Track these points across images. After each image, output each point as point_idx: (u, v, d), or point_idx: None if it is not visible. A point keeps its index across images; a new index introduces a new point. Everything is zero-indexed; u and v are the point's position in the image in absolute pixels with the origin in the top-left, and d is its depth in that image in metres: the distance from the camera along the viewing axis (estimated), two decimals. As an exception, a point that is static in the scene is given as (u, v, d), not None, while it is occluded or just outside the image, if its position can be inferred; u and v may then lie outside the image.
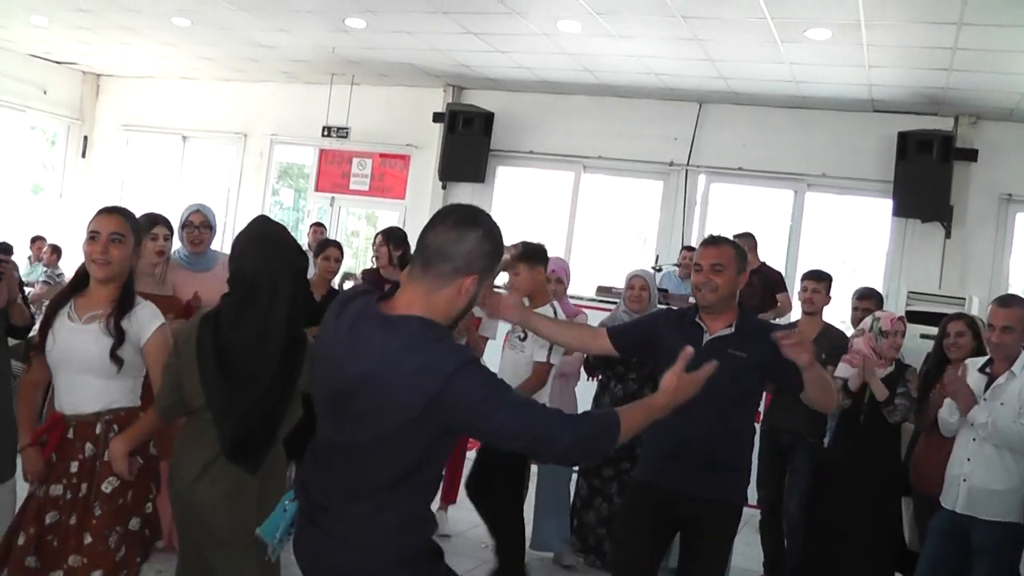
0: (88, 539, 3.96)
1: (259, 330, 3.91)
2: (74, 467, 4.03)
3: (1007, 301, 5.75)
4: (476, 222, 3.01)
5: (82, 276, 4.24)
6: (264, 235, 4.03)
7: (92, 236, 4.16)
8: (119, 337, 4.07)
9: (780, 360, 4.34)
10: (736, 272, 4.65)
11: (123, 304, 4.16)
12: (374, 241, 7.95)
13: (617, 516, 4.97)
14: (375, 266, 8.02)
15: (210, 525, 3.86)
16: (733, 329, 4.63)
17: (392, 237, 7.94)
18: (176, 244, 6.43)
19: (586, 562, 7.37)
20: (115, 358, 4.06)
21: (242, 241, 4.02)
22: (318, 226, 12.20)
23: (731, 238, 4.87)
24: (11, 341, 5.79)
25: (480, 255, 2.98)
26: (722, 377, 3.85)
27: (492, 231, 3.04)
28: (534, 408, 2.96)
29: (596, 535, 7.27)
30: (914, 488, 6.61)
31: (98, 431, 4.07)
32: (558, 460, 3.10)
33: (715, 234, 4.86)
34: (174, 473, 3.98)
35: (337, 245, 7.72)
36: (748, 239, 9.23)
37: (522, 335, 6.39)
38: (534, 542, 7.27)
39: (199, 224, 6.44)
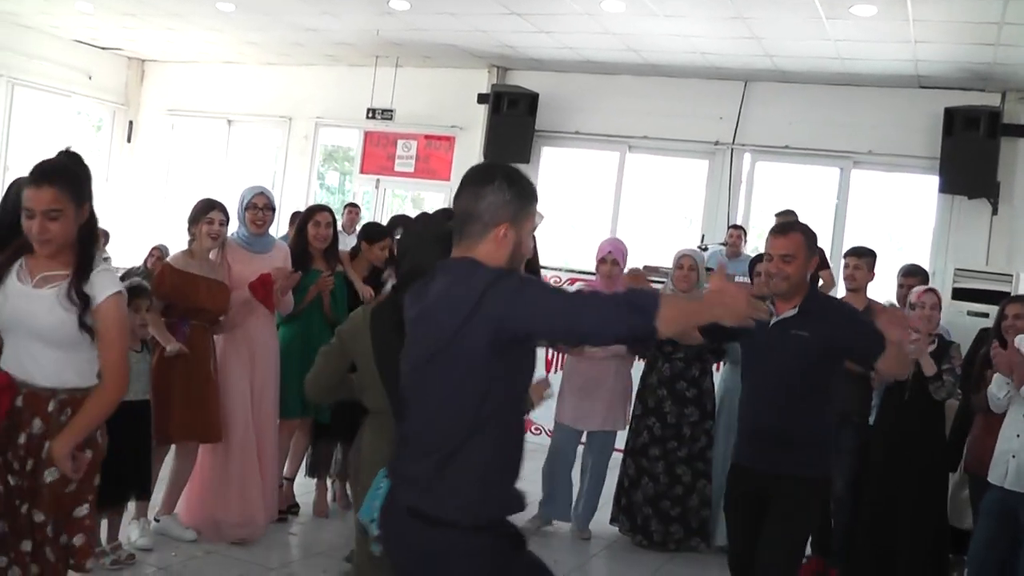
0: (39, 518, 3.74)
1: None
2: (22, 439, 3.71)
3: None
4: (490, 176, 3.14)
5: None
6: (441, 234, 3.90)
7: (28, 214, 3.70)
8: (84, 304, 3.70)
9: (853, 334, 4.54)
10: (806, 258, 4.75)
11: (82, 269, 3.76)
12: (393, 234, 7.85)
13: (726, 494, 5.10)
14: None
15: None
16: (797, 310, 4.71)
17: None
18: (232, 226, 6.56)
19: (633, 542, 7.43)
20: (84, 327, 3.70)
21: (417, 239, 4.18)
22: (352, 207, 12.16)
23: (797, 222, 4.91)
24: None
25: (502, 204, 3.09)
26: (788, 358, 3.99)
27: (508, 178, 3.14)
28: (567, 292, 3.04)
29: (643, 514, 7.30)
30: (969, 471, 6.62)
31: (50, 409, 3.73)
32: (598, 328, 2.97)
33: (784, 220, 4.92)
34: (360, 475, 4.22)
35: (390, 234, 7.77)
36: (790, 215, 9.29)
37: None
38: (550, 511, 7.49)
39: (263, 206, 6.63)
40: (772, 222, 7.49)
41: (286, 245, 7.14)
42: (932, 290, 6.66)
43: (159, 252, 10.99)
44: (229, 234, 6.55)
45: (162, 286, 6.15)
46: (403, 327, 3.35)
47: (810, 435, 4.73)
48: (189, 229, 6.42)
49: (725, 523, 5.25)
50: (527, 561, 3.22)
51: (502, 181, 3.12)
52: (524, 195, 3.17)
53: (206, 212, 6.28)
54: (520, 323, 2.96)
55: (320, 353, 4.37)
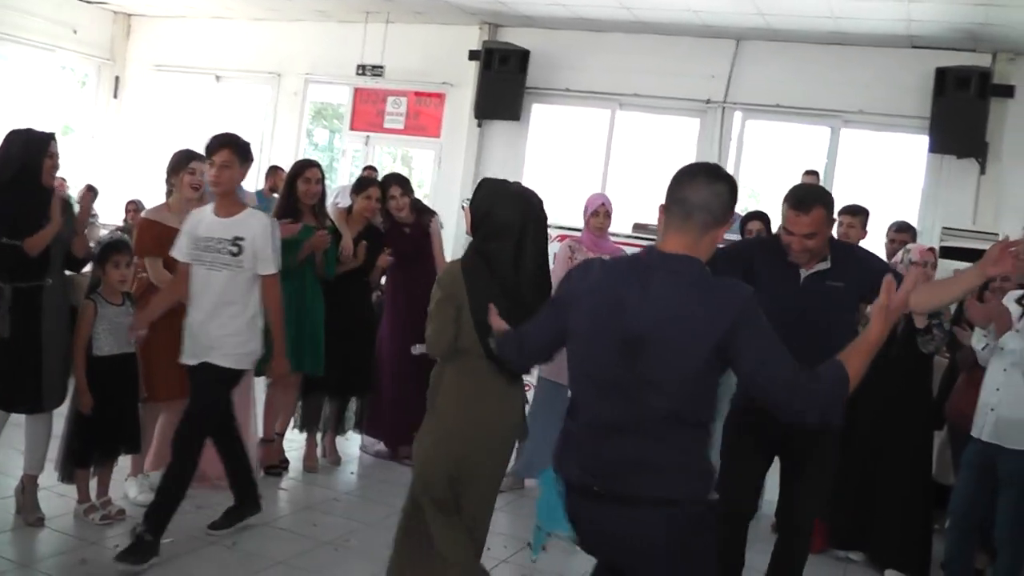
0: None
1: (533, 268, 4.63)
2: None
3: None
4: (724, 177, 3.38)
5: None
6: (520, 192, 4.80)
7: None
8: None
9: (870, 280, 4.58)
10: (828, 230, 4.87)
11: None
12: (389, 192, 7.83)
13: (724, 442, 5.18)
14: (392, 212, 7.92)
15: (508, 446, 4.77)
16: (829, 263, 4.85)
17: (408, 188, 7.94)
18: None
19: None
20: None
21: (498, 196, 4.72)
22: (370, 169, 12.01)
23: (817, 192, 4.97)
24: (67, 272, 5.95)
25: (728, 207, 3.34)
26: (824, 307, 4.61)
27: (733, 186, 3.38)
28: (788, 360, 3.17)
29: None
30: (952, 427, 6.69)
31: None
32: (793, 416, 3.17)
33: (802, 193, 4.86)
34: (440, 406, 4.62)
35: (380, 184, 7.77)
36: (813, 176, 9.54)
37: None
38: (523, 468, 7.61)
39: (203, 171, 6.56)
40: (765, 181, 7.50)
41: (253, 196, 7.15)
42: (933, 249, 6.73)
43: (134, 206, 10.91)
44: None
45: (144, 241, 6.13)
46: (494, 279, 4.27)
47: None
48: (168, 180, 6.38)
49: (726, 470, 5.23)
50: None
51: (733, 186, 3.37)
52: (735, 205, 3.42)
53: (187, 163, 6.24)
54: (742, 359, 3.19)
55: (435, 309, 4.55)
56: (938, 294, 4.70)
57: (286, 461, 7.31)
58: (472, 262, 4.57)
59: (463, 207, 4.86)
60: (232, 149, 5.60)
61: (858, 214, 7.26)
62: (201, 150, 6.33)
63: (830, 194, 4.97)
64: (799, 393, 3.11)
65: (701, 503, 3.29)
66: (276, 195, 8.66)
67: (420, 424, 6.12)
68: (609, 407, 3.32)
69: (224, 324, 5.54)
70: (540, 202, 4.85)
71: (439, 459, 4.57)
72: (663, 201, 3.39)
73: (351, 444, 8.21)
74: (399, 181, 7.95)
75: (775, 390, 3.15)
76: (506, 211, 4.60)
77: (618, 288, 3.33)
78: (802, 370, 3.14)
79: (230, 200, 5.67)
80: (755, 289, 3.27)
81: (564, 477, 3.42)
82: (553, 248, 9.83)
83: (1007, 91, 11.30)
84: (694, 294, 3.23)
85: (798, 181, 10.26)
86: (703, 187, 3.30)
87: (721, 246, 3.64)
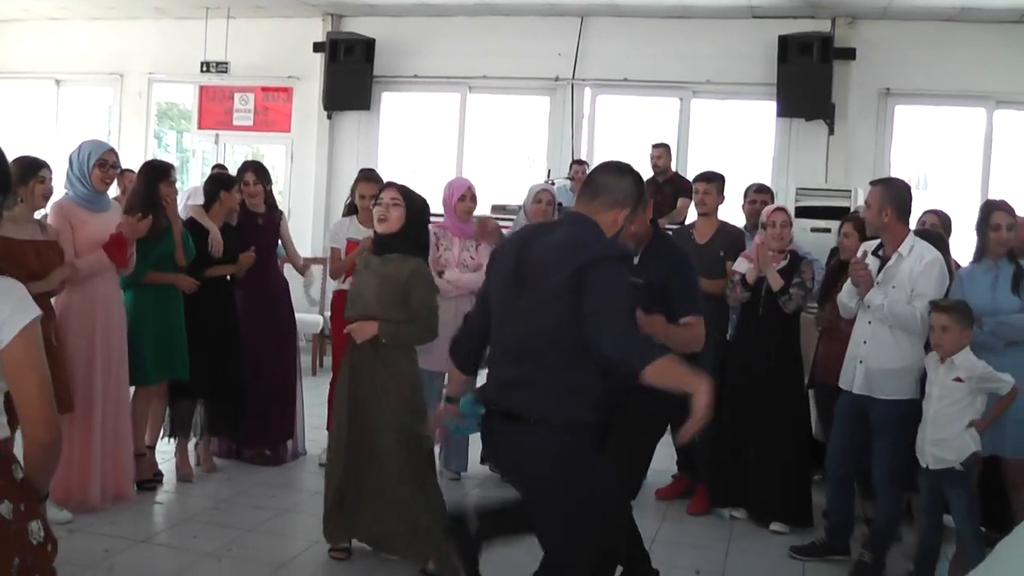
0: None
1: None
2: None
3: (873, 182, 6.02)
4: (630, 171, 4.16)
5: None
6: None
7: None
8: None
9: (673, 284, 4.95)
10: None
11: None
12: (243, 179, 7.74)
13: None
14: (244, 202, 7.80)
15: None
16: (639, 258, 4.91)
17: (264, 176, 7.87)
18: (59, 187, 6.42)
19: (504, 478, 7.48)
20: None
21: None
22: (220, 167, 11.80)
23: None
24: None
25: (631, 194, 4.05)
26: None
27: (640, 179, 4.19)
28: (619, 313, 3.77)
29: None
30: (819, 382, 6.84)
31: None
32: (603, 351, 3.72)
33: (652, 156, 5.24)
34: None
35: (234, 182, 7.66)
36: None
37: None
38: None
39: (112, 164, 6.44)
40: (619, 155, 7.59)
41: (115, 202, 6.98)
42: (781, 208, 6.86)
43: (-24, 219, 10.56)
44: (65, 193, 6.37)
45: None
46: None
47: None
48: (14, 191, 6.14)
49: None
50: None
51: (638, 179, 4.16)
52: (643, 200, 4.23)
53: (37, 171, 5.99)
54: (584, 297, 3.72)
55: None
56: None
57: (160, 474, 7.13)
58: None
59: None
60: None
61: (713, 180, 7.37)
62: (44, 158, 6.13)
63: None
64: (615, 339, 3.69)
65: (575, 426, 3.86)
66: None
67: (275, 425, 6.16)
68: (508, 334, 3.98)
69: None
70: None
71: None
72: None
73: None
74: (254, 168, 7.87)
75: (594, 331, 3.70)
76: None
77: (526, 236, 4.11)
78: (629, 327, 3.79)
79: None
80: None
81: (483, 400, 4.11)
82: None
83: (849, 54, 11.64)
84: (578, 234, 3.89)
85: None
86: (610, 176, 4.09)
87: None
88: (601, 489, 4.00)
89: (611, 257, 3.81)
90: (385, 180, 7.33)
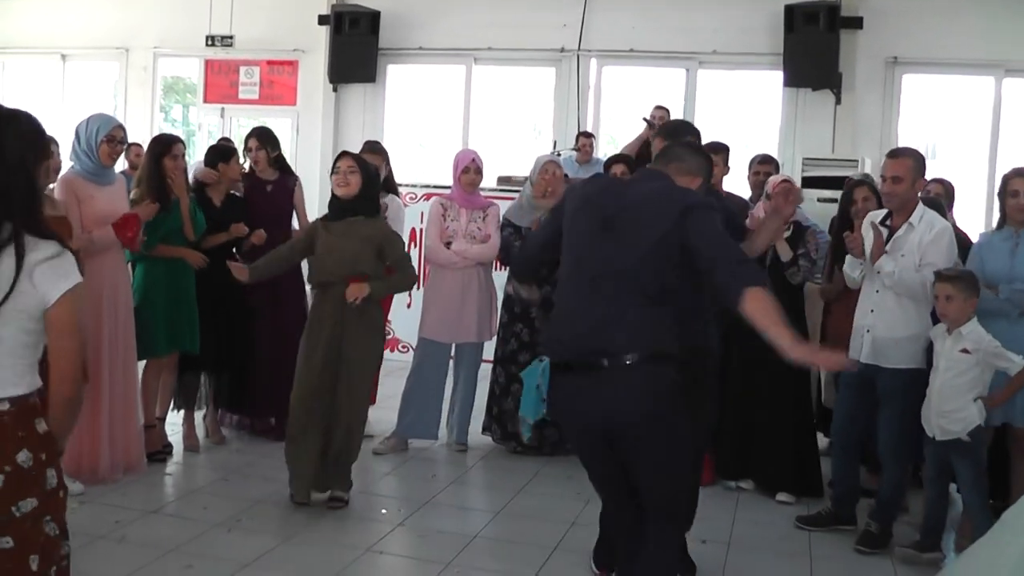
0: None
1: None
2: None
3: (897, 153, 5.96)
4: (701, 148, 4.55)
5: None
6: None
7: None
8: None
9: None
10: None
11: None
12: (247, 146, 7.79)
13: None
14: (254, 169, 7.83)
15: None
16: None
17: (266, 140, 7.83)
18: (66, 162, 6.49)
19: (507, 449, 7.53)
20: None
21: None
22: (226, 140, 11.77)
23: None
24: None
25: (704, 167, 4.38)
26: None
27: (710, 158, 4.56)
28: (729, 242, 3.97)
29: (515, 421, 7.39)
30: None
31: None
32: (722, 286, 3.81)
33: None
34: None
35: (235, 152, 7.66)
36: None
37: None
38: (405, 429, 7.59)
39: (122, 139, 6.45)
40: (624, 127, 7.58)
41: (121, 175, 6.97)
42: (786, 179, 6.81)
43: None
44: (72, 167, 6.37)
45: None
46: None
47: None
48: None
49: None
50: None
51: (708, 158, 4.49)
52: (711, 175, 4.55)
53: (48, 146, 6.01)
54: (690, 236, 3.85)
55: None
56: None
57: (170, 446, 7.15)
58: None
59: None
60: None
61: (718, 151, 7.30)
62: (51, 133, 6.12)
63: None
64: (729, 266, 3.77)
65: (667, 357, 3.89)
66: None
67: (284, 397, 6.32)
68: (593, 280, 3.98)
69: None
70: None
71: None
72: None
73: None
74: (256, 134, 7.83)
75: (713, 264, 3.79)
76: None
77: (606, 187, 4.32)
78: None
79: None
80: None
81: (551, 357, 4.05)
82: (421, 207, 9.87)
83: (856, 23, 11.56)
84: (671, 186, 4.08)
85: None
86: (686, 149, 4.37)
87: None
88: (689, 423, 4.11)
89: (709, 205, 3.99)
90: (391, 152, 7.41)
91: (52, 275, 2.94)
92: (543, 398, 4.05)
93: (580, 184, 4.37)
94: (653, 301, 3.89)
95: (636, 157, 8.83)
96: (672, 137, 4.52)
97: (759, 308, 3.66)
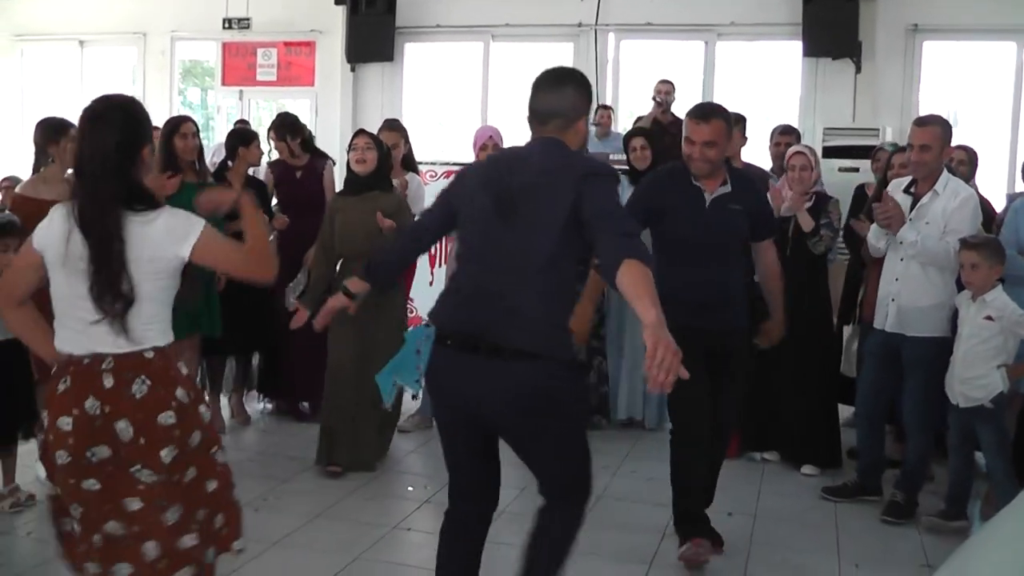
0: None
1: None
2: None
3: (924, 121, 5.92)
4: (568, 78, 3.86)
5: None
6: None
7: None
8: None
9: (761, 211, 5.35)
10: (726, 143, 5.17)
11: None
12: (268, 137, 7.83)
13: None
14: (279, 158, 7.88)
15: None
16: (729, 188, 5.15)
17: (285, 130, 7.83)
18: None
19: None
20: None
21: None
22: (243, 123, 11.83)
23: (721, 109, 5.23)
24: None
25: (579, 102, 3.83)
26: (727, 228, 5.15)
27: (584, 80, 3.89)
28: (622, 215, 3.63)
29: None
30: (864, 321, 6.82)
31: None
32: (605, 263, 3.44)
33: (706, 106, 5.35)
34: None
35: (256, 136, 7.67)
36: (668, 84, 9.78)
37: None
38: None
39: None
40: (644, 101, 7.56)
41: None
42: (801, 152, 6.79)
43: (9, 183, 10.59)
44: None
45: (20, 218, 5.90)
46: None
47: (741, 293, 5.36)
48: (45, 151, 6.14)
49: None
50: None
51: (576, 83, 3.84)
52: (589, 96, 3.91)
53: (67, 129, 6.00)
54: (584, 207, 3.54)
55: None
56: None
57: (194, 427, 7.20)
58: None
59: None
60: None
61: (736, 123, 7.33)
62: (71, 119, 6.13)
63: (729, 112, 5.30)
64: (612, 238, 3.43)
65: (560, 359, 3.61)
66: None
67: (317, 381, 6.39)
68: (487, 266, 3.71)
69: None
70: None
71: None
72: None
73: (258, 403, 8.13)
74: (274, 126, 7.88)
75: (599, 234, 3.49)
76: None
77: (495, 166, 3.95)
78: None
79: None
80: (666, 216, 4.26)
81: (440, 330, 3.72)
82: (441, 185, 9.84)
83: (877, -11, 11.43)
84: (558, 155, 3.72)
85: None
86: (549, 95, 3.81)
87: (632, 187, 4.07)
88: (581, 414, 4.10)
89: (603, 174, 3.72)
90: (409, 131, 7.42)
91: (175, 234, 3.36)
92: (419, 367, 3.76)
93: (473, 164, 4.13)
94: (555, 284, 3.65)
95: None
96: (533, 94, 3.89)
97: (630, 280, 3.28)
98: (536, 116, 3.82)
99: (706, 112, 5.14)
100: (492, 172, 3.86)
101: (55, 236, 3.34)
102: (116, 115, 3.39)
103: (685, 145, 5.11)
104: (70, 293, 3.32)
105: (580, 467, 3.90)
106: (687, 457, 5.22)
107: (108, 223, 3.26)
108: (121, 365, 3.29)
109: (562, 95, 3.79)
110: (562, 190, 3.57)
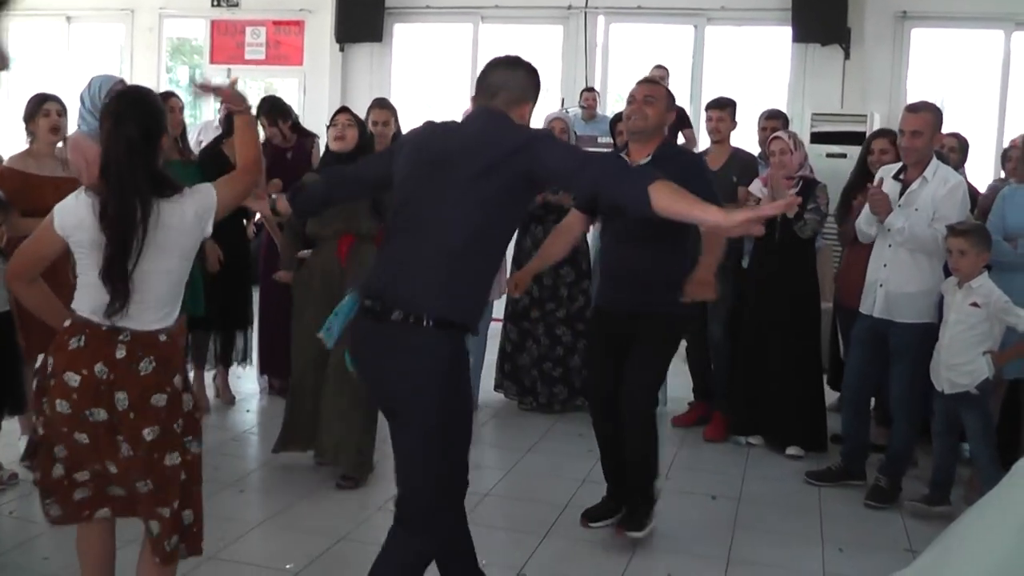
0: None
1: None
2: None
3: (916, 107, 5.91)
4: (522, 64, 3.86)
5: None
6: None
7: None
8: None
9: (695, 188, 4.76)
10: (664, 108, 5.11)
11: None
12: (259, 123, 7.79)
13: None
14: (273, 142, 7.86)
15: None
16: (650, 158, 5.00)
17: (276, 114, 7.81)
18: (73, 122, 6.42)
19: (521, 405, 7.56)
20: None
21: None
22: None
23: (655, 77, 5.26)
24: None
25: (527, 87, 3.84)
26: None
27: (536, 72, 3.89)
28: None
29: (531, 376, 7.45)
30: (838, 304, 6.85)
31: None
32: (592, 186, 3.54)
33: (650, 75, 5.34)
34: None
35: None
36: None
37: None
38: None
39: None
40: (632, 84, 7.59)
41: None
42: (777, 136, 6.79)
43: (-3, 158, 10.57)
44: (78, 128, 6.35)
45: (7, 191, 5.87)
46: None
47: (665, 276, 5.03)
48: (27, 129, 6.15)
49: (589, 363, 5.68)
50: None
51: (527, 70, 3.85)
52: (538, 88, 3.93)
53: (41, 105, 6.01)
54: (544, 163, 3.50)
55: None
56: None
57: (178, 405, 7.18)
58: None
59: None
60: None
61: (725, 107, 7.39)
62: (57, 94, 6.11)
63: (671, 92, 5.36)
64: (615, 178, 3.43)
65: (462, 328, 3.56)
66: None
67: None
68: (401, 233, 3.65)
69: None
70: None
71: None
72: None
73: (243, 382, 8.11)
74: (265, 111, 7.82)
75: (600, 187, 3.52)
76: None
77: (434, 130, 3.82)
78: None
79: None
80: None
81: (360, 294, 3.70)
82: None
83: (865, -24, 11.44)
84: (499, 123, 3.68)
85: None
86: (502, 72, 3.81)
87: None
88: (462, 413, 3.77)
89: (548, 134, 3.83)
90: (400, 111, 7.37)
91: (203, 218, 3.62)
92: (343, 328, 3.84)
93: (414, 128, 3.96)
94: (458, 256, 3.49)
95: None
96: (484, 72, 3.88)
97: (671, 198, 3.24)
98: (486, 89, 3.80)
99: (648, 79, 5.39)
100: (421, 139, 3.80)
101: (86, 223, 3.49)
102: (136, 111, 3.59)
103: (626, 107, 5.24)
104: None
105: (423, 489, 3.67)
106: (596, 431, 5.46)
107: (136, 213, 3.43)
108: (136, 341, 3.46)
109: (515, 74, 3.81)
110: (481, 158, 3.50)
